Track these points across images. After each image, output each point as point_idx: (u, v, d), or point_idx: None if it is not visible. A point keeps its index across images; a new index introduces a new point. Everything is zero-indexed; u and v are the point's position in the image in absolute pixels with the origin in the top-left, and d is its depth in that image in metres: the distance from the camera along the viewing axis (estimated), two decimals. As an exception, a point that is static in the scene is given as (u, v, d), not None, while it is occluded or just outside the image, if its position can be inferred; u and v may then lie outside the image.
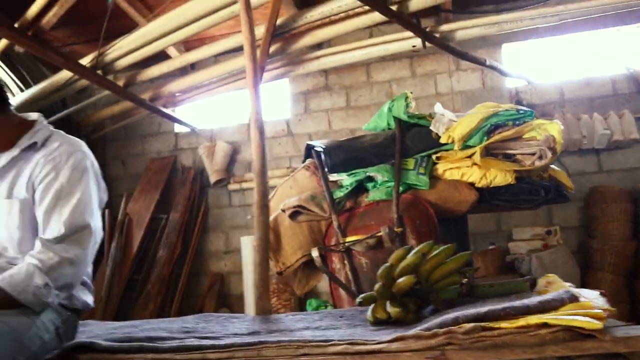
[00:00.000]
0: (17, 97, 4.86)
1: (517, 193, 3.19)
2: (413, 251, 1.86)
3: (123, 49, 4.02)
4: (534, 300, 1.32)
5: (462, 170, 3.17)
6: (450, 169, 3.21)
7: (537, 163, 3.02)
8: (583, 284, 4.23)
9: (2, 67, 4.77)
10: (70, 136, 1.65)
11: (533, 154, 3.07)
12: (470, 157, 3.16)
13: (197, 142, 5.67)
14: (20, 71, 4.89)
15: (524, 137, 3.17)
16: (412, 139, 3.34)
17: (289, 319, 2.07)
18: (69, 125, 5.39)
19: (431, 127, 3.28)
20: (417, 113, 3.40)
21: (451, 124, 3.29)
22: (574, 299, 1.29)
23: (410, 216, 3.06)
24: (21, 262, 1.48)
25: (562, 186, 3.28)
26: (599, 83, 4.64)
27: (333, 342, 1.26)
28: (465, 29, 3.95)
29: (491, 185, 3.13)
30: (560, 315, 1.22)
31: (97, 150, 5.69)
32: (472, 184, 3.16)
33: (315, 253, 2.85)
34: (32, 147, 1.57)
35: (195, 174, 5.53)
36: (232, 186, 5.47)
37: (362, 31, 4.54)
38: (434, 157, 3.27)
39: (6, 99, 1.59)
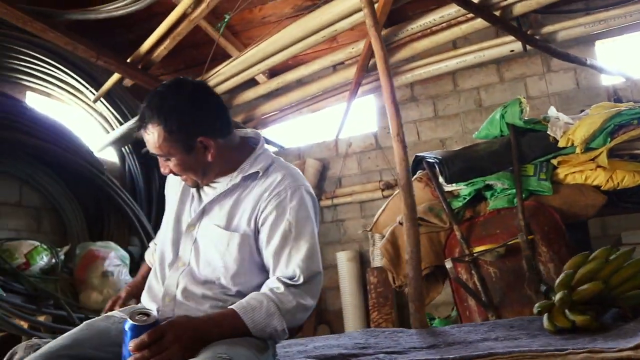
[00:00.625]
0: (116, 130, 5.12)
1: (647, 194, 3.11)
2: (591, 257, 1.83)
3: (222, 76, 4.16)
4: None
5: (586, 174, 3.10)
6: (573, 173, 3.15)
7: (671, 161, 2.93)
8: None
9: (105, 104, 5.08)
10: (290, 165, 1.62)
11: (663, 153, 2.99)
12: (593, 159, 3.10)
13: (287, 161, 5.76)
14: (120, 107, 5.19)
15: (650, 135, 3.08)
16: (529, 144, 3.30)
17: (456, 330, 2.06)
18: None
19: (548, 132, 3.23)
20: (531, 118, 3.36)
21: (568, 127, 3.24)
22: None
23: (538, 223, 3.01)
24: (233, 291, 1.49)
25: (694, 184, 3.16)
26: None
27: (570, 351, 1.24)
28: (568, 28, 3.89)
29: (618, 188, 3.06)
30: None
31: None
32: (597, 187, 3.09)
33: (449, 264, 2.85)
34: (253, 176, 1.51)
35: (286, 192, 5.61)
36: (324, 202, 5.52)
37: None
38: (554, 161, 3.22)
39: (230, 121, 1.56)
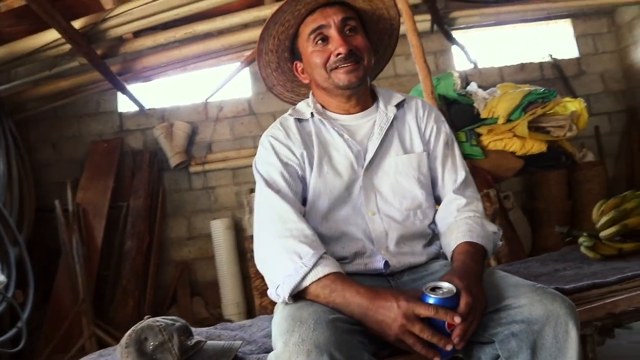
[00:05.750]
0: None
1: (545, 159, 3.78)
2: (626, 198, 2.24)
3: (129, 16, 3.60)
4: None
5: (505, 142, 3.63)
6: (495, 140, 3.64)
7: (569, 134, 3.62)
8: (533, 240, 5.07)
9: None
10: None
11: (560, 127, 3.67)
12: (511, 130, 3.64)
13: (147, 123, 5.24)
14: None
15: (548, 112, 3.75)
16: (456, 114, 3.69)
17: (523, 266, 2.29)
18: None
19: (475, 105, 3.68)
20: (460, 91, 3.76)
21: (486, 101, 3.74)
22: None
23: (480, 183, 3.43)
24: (430, 216, 1.50)
25: (570, 153, 3.96)
26: (530, 68, 5.51)
27: None
28: (468, 16, 4.41)
29: (528, 154, 3.66)
30: None
31: (21, 132, 4.89)
32: (512, 153, 3.65)
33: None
34: (400, 104, 1.57)
35: (151, 156, 5.11)
36: (194, 168, 5.19)
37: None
38: (479, 130, 3.67)
39: None
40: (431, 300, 1.12)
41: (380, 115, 1.52)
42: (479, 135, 3.67)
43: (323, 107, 1.54)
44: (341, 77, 1.43)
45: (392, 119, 1.52)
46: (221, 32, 4.32)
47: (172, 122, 5.16)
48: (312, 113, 1.52)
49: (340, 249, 1.42)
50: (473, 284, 1.18)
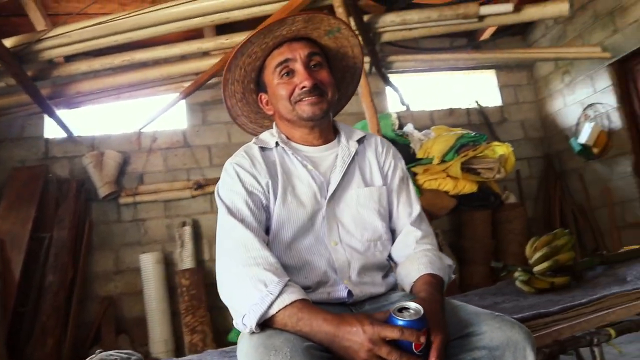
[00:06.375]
0: None
1: (476, 199, 3.97)
2: (556, 236, 2.39)
3: (67, 39, 3.49)
4: None
5: (439, 181, 3.79)
6: (429, 180, 3.80)
7: (498, 176, 3.84)
8: (460, 276, 5.25)
9: None
10: None
11: (490, 169, 3.88)
12: (445, 170, 3.81)
13: (75, 150, 5.02)
14: None
15: (479, 155, 3.96)
16: (394, 153, 3.82)
17: (464, 299, 2.35)
18: None
19: (411, 145, 3.83)
20: (397, 131, 3.91)
21: (421, 142, 3.90)
22: None
23: (416, 219, 3.54)
24: (388, 247, 1.52)
25: (498, 194, 4.18)
26: (458, 113, 5.81)
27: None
28: (404, 61, 4.62)
29: (460, 194, 3.83)
30: None
31: None
32: (446, 192, 3.81)
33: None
34: (361, 140, 1.60)
35: (78, 185, 4.88)
36: (124, 199, 5.00)
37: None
38: (415, 169, 3.81)
39: None
40: (400, 322, 1.13)
41: (343, 149, 1.56)
42: (415, 174, 3.81)
43: (287, 137, 1.56)
44: (305, 109, 1.46)
45: (354, 153, 1.56)
46: (157, 62, 4.26)
47: (103, 151, 4.98)
48: (276, 142, 1.53)
49: (303, 279, 1.41)
50: (442, 316, 1.21)
